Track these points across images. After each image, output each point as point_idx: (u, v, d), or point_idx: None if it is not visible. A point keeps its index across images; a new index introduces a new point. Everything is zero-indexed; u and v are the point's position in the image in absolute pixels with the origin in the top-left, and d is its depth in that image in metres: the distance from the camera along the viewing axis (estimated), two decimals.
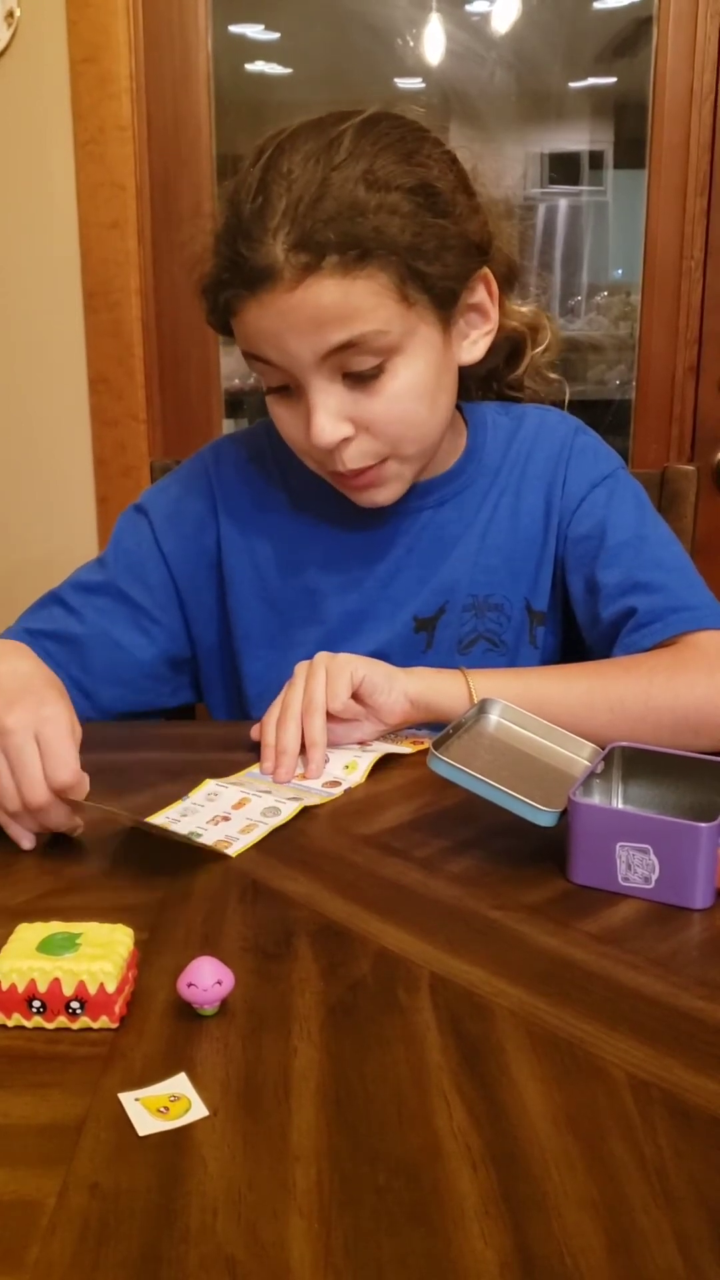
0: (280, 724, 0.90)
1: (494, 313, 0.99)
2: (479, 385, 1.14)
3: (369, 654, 0.99)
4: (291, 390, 0.94)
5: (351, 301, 0.87)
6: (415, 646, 1.04)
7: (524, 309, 1.10)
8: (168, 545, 1.07)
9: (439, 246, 0.90)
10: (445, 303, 0.94)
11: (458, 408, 1.08)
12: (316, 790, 0.86)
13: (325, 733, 0.89)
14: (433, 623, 1.04)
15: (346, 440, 0.93)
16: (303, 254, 0.86)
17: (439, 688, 0.92)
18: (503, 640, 1.05)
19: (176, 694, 1.11)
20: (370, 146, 0.88)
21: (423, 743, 0.93)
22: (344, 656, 0.93)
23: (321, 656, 0.93)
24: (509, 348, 1.11)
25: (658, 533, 1.04)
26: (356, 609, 1.05)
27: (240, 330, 0.93)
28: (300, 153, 0.88)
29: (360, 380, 0.91)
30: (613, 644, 0.99)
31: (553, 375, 1.15)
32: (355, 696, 0.91)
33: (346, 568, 1.06)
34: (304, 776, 0.88)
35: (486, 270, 0.97)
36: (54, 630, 1.04)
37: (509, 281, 1.04)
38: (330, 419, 0.92)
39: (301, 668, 0.93)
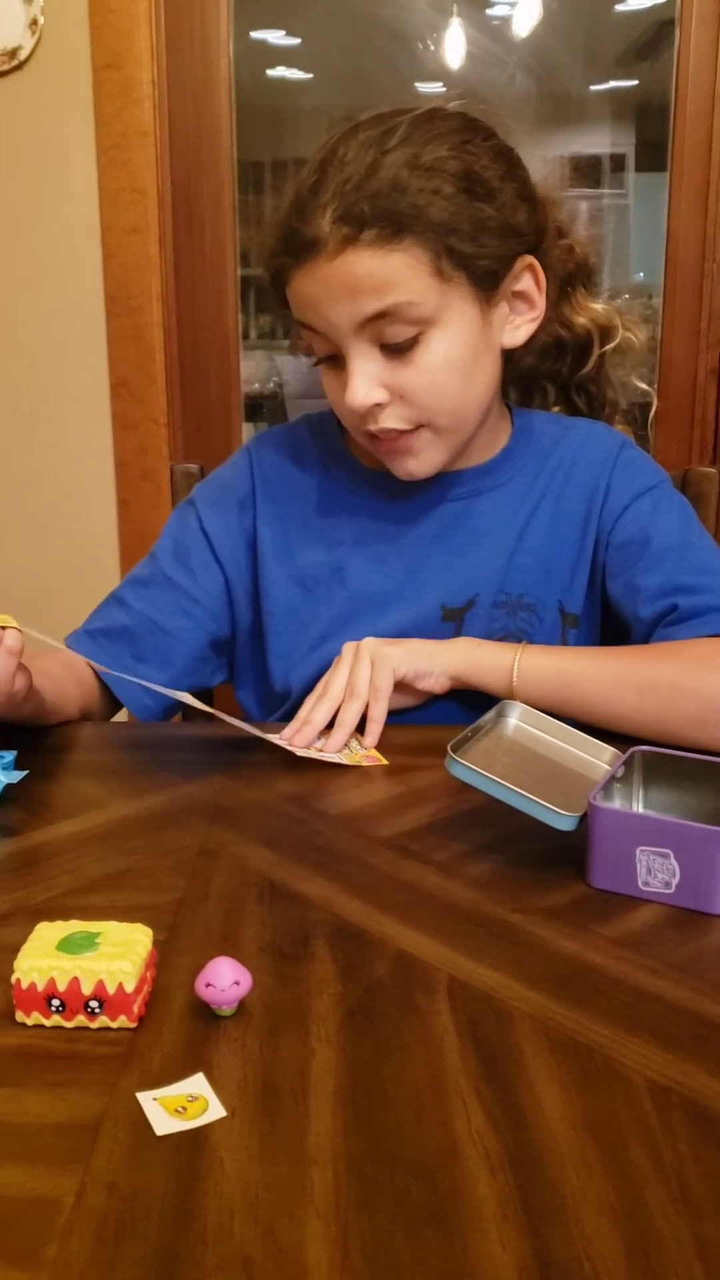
0: (317, 703, 0.96)
1: (540, 301, 1.03)
2: (551, 382, 1.17)
3: (392, 634, 1.03)
4: (337, 360, 0.99)
5: (386, 273, 0.92)
6: (443, 636, 1.05)
7: (597, 306, 1.13)
8: (212, 526, 1.11)
9: (477, 228, 0.94)
10: (484, 283, 0.97)
11: (508, 406, 1.13)
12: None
13: (357, 718, 0.95)
14: (461, 614, 1.06)
15: (381, 406, 0.98)
16: (345, 226, 0.92)
17: (479, 662, 0.97)
18: (533, 641, 1.06)
19: (214, 675, 1.15)
20: (422, 135, 0.94)
21: (379, 760, 0.93)
22: (390, 650, 0.97)
23: (369, 644, 0.98)
24: (576, 348, 1.13)
25: (703, 541, 1.05)
26: (380, 589, 1.07)
27: (291, 299, 0.99)
28: (358, 139, 0.94)
29: (396, 351, 0.96)
30: (650, 639, 1.01)
31: (641, 385, 1.18)
32: (399, 683, 0.96)
33: (374, 548, 1.08)
34: (320, 749, 0.93)
35: (532, 260, 1.00)
36: (108, 626, 1.10)
37: (578, 279, 1.11)
38: (365, 383, 0.96)
39: (349, 650, 0.98)
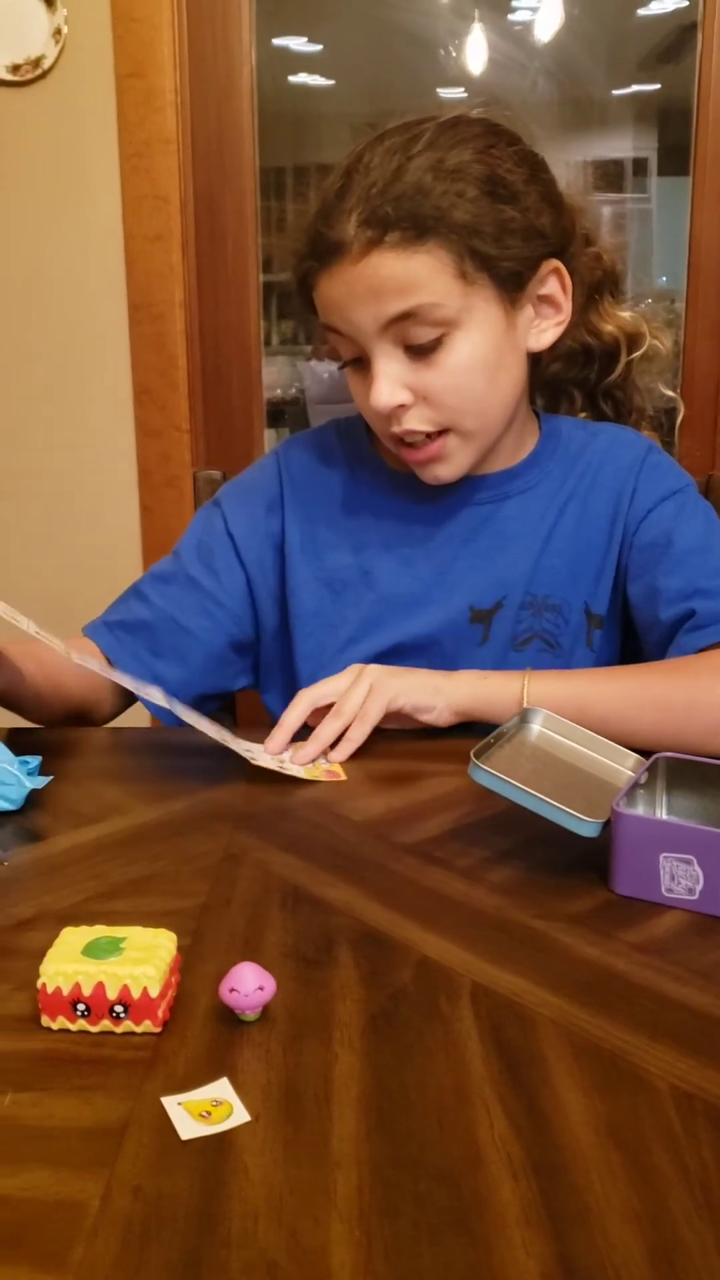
0: (297, 707, 0.95)
1: (566, 305, 1.03)
2: (579, 388, 1.17)
3: (420, 637, 1.04)
4: (363, 362, 1.00)
5: (409, 274, 0.94)
6: (471, 638, 1.05)
7: (624, 314, 1.14)
8: (237, 529, 1.12)
9: (500, 231, 0.95)
10: (508, 285, 0.98)
11: (536, 413, 1.13)
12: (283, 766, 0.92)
13: (333, 736, 0.93)
14: (489, 615, 1.06)
15: (405, 407, 0.99)
16: (369, 229, 0.93)
17: (487, 696, 0.95)
18: (559, 642, 1.06)
19: (237, 678, 1.15)
20: (446, 141, 0.95)
21: (338, 776, 0.92)
22: (391, 681, 0.95)
23: (372, 670, 0.96)
24: (604, 355, 1.13)
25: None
26: (409, 592, 1.07)
27: (317, 302, 1.00)
28: (384, 146, 0.96)
29: (420, 352, 0.97)
30: (669, 645, 1.00)
31: (668, 392, 1.17)
32: (398, 712, 0.94)
33: (403, 551, 1.09)
34: (283, 759, 0.93)
35: (558, 263, 1.01)
36: (126, 619, 1.10)
37: (605, 287, 1.11)
38: (389, 384, 0.97)
39: (353, 670, 0.97)
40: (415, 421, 0.99)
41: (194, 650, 1.10)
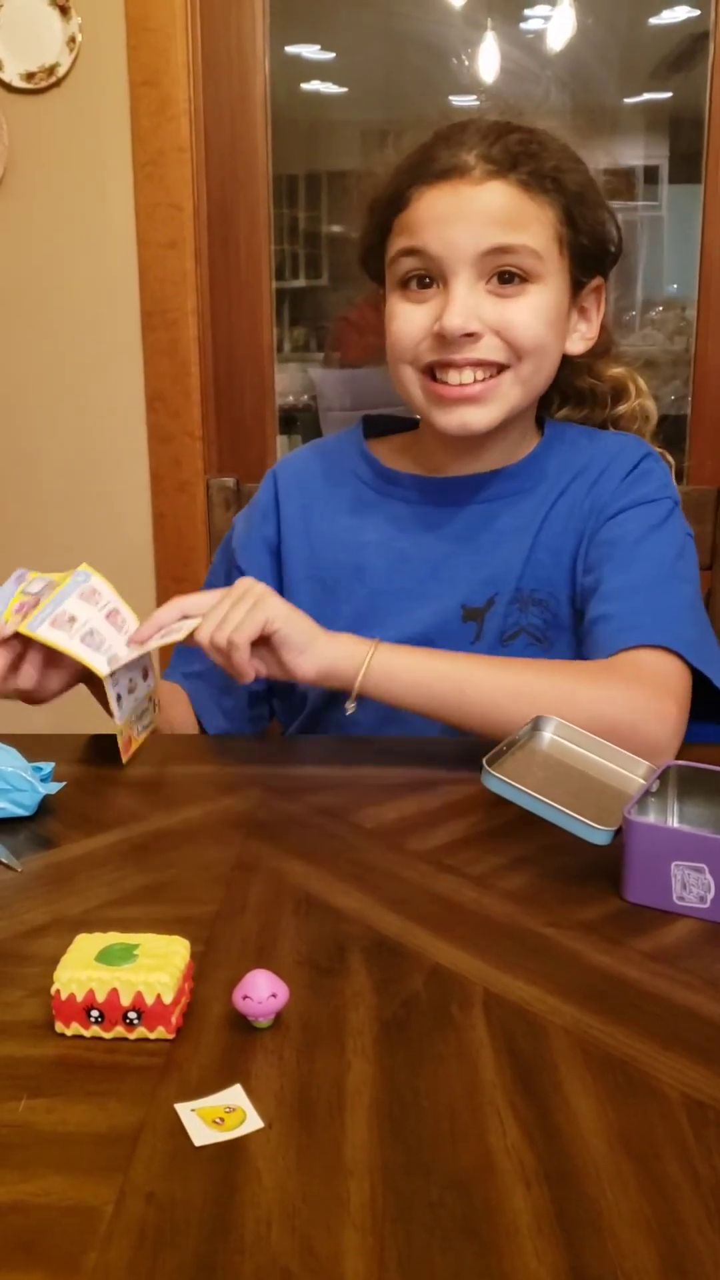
0: (169, 609, 0.95)
1: (596, 323, 1.08)
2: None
3: (413, 635, 1.03)
4: (428, 284, 1.01)
5: (524, 213, 0.99)
6: (464, 636, 1.06)
7: (615, 370, 1.15)
8: (236, 540, 1.17)
9: (590, 221, 1.02)
10: (576, 273, 1.03)
11: (538, 420, 1.14)
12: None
13: (187, 631, 0.92)
14: (481, 613, 1.06)
15: (472, 337, 0.99)
16: (493, 162, 0.98)
17: (344, 659, 0.92)
18: (546, 636, 1.06)
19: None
20: (560, 139, 1.03)
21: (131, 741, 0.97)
22: (275, 601, 0.92)
23: (255, 590, 0.93)
24: (592, 399, 1.16)
25: (675, 568, 1.02)
26: (402, 587, 1.08)
27: (405, 220, 1.01)
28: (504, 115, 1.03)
29: (503, 286, 1.00)
30: (588, 640, 1.00)
31: (663, 453, 1.17)
32: (267, 640, 0.91)
33: (398, 547, 1.10)
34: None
35: (601, 283, 1.06)
36: (189, 671, 1.17)
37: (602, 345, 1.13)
38: (466, 309, 0.99)
39: (241, 584, 0.94)
40: (487, 351, 1.00)
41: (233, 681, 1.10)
